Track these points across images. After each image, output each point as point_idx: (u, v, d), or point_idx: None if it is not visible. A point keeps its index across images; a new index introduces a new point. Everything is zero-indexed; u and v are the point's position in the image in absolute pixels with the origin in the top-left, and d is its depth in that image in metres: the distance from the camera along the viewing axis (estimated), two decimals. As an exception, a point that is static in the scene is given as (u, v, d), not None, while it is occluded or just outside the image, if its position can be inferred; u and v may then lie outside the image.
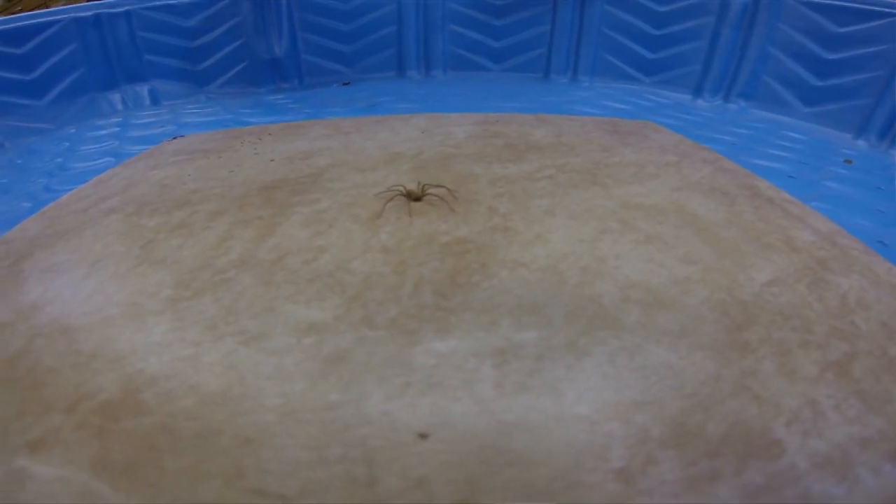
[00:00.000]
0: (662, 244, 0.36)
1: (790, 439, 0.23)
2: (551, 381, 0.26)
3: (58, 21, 0.80)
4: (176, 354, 0.28)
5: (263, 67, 0.91)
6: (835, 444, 0.23)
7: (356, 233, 0.38)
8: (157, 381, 0.26)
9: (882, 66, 0.68)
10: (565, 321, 0.29)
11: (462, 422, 0.24)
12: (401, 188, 0.42)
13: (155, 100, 0.87)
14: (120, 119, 0.82)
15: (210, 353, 0.28)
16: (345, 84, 0.93)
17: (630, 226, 0.38)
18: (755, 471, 0.22)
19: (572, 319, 0.29)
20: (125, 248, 0.37)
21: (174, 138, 0.61)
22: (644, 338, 0.28)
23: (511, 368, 0.26)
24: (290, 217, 0.40)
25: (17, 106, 0.76)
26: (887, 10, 0.67)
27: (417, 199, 0.41)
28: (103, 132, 0.77)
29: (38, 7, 1.20)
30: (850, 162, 0.64)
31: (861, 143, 0.68)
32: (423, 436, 0.23)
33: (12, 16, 0.79)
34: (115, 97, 0.85)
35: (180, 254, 0.36)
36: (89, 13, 0.82)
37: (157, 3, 0.84)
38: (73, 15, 0.81)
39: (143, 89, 0.87)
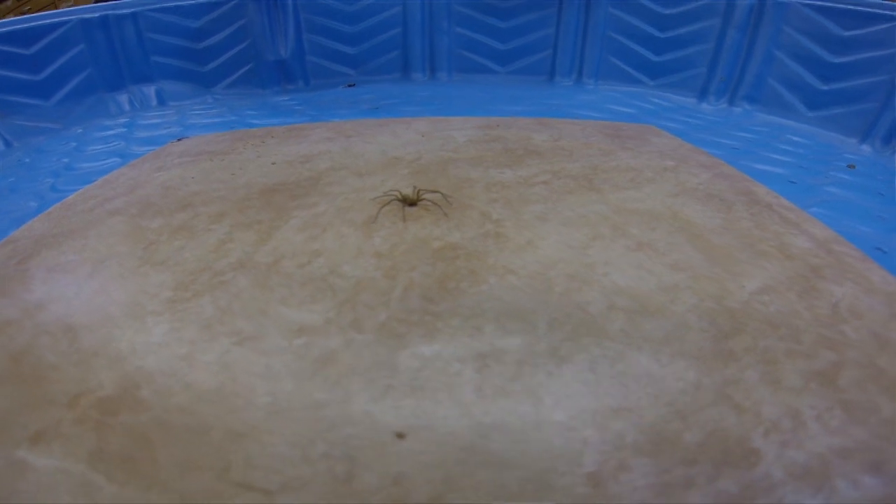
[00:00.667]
0: (653, 251, 0.36)
1: (768, 449, 0.23)
2: (531, 386, 0.26)
3: (66, 22, 0.81)
4: (173, 353, 0.29)
5: (269, 69, 0.92)
6: (814, 455, 0.23)
7: (350, 237, 0.38)
8: (154, 378, 0.27)
9: (887, 71, 0.67)
10: (550, 328, 0.30)
11: (442, 424, 0.24)
12: (396, 193, 0.42)
13: (161, 100, 0.88)
14: (127, 119, 0.83)
15: (205, 353, 0.29)
16: (350, 86, 0.94)
17: (622, 232, 0.38)
18: (729, 479, 0.22)
19: (557, 326, 0.30)
20: (128, 250, 0.38)
21: (180, 139, 0.63)
22: (627, 345, 0.28)
23: (493, 373, 0.27)
24: (289, 220, 0.41)
25: (25, 106, 0.78)
26: (893, 13, 0.66)
27: (412, 203, 0.42)
28: (110, 132, 0.78)
29: (47, 6, 1.21)
30: (853, 167, 0.63)
31: (865, 147, 0.67)
32: (400, 435, 0.24)
33: (20, 17, 0.81)
34: (122, 98, 0.86)
35: (181, 255, 0.37)
36: (97, 14, 0.83)
37: (165, 4, 0.86)
38: (80, 16, 0.82)
39: (150, 90, 0.88)
